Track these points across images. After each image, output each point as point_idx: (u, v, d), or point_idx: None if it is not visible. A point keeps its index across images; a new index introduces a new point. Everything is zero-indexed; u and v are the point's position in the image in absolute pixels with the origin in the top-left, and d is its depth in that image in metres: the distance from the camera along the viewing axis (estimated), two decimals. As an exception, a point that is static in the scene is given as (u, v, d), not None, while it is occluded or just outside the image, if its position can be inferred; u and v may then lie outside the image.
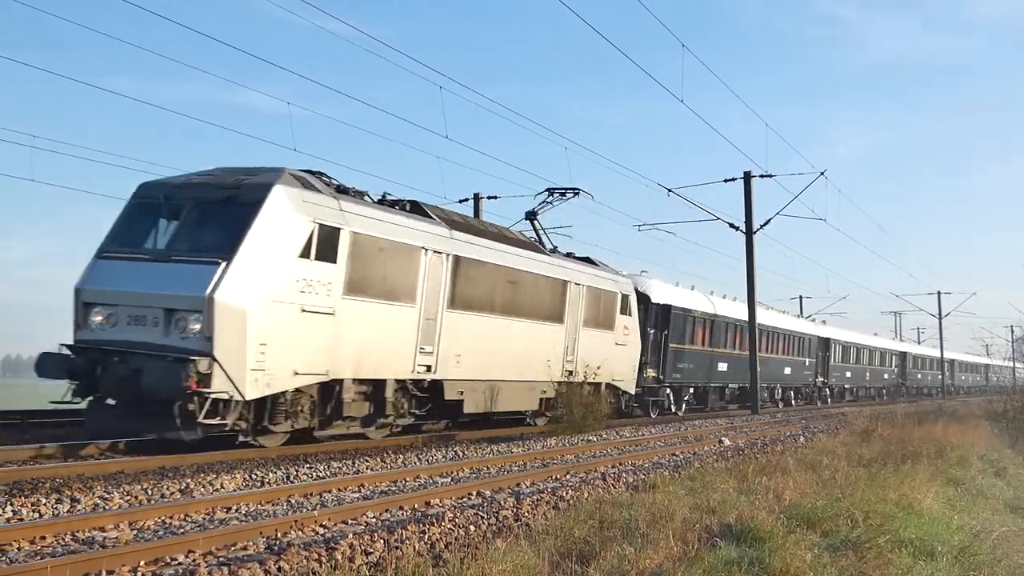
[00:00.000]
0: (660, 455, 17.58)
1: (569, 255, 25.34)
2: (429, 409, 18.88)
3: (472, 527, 9.28)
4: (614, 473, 14.36)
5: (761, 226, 36.43)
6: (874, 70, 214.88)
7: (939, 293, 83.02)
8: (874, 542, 8.15)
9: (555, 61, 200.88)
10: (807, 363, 47.53)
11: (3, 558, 7.55)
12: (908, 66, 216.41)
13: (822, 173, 35.02)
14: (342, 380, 15.97)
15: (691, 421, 29.51)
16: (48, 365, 14.05)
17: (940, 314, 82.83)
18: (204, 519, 9.51)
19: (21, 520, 9.08)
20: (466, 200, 35.89)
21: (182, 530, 8.92)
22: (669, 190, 34.53)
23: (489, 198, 35.87)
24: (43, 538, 8.21)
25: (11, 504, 9.67)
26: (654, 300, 30.15)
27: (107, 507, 9.90)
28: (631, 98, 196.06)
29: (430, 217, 18.87)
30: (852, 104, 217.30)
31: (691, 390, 33.75)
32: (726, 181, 36.46)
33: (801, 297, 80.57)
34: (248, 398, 13.97)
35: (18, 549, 7.85)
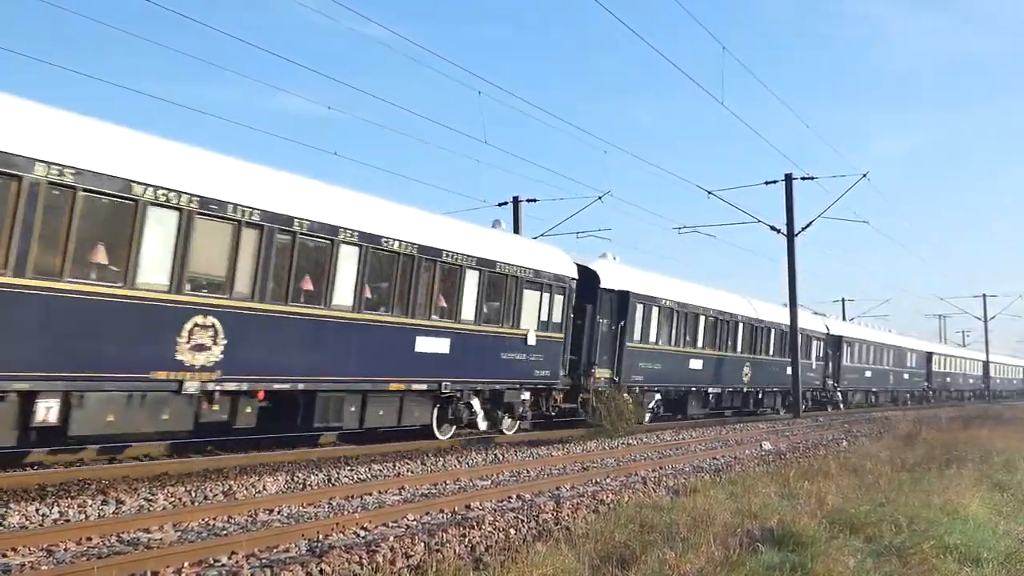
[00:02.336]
0: (700, 458, 17.49)
1: None
2: None
3: (512, 530, 9.29)
4: (654, 477, 14.29)
5: (802, 228, 36.12)
6: (913, 69, 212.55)
7: (984, 296, 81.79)
8: (918, 548, 8.05)
9: (594, 64, 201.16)
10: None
11: (51, 559, 7.68)
12: (948, 65, 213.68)
13: (864, 175, 34.59)
14: None
15: (732, 424, 29.31)
16: None
17: (985, 317, 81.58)
18: (247, 521, 9.60)
19: (68, 521, 9.22)
20: (505, 203, 35.91)
21: (225, 532, 9.02)
22: (709, 192, 34.24)
23: (528, 201, 35.85)
24: (89, 539, 8.34)
25: (58, 505, 9.83)
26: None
27: (152, 508, 10.04)
28: (671, 100, 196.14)
29: None
30: (892, 104, 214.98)
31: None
32: (767, 183, 36.13)
33: (844, 300, 79.83)
34: None
35: (65, 550, 7.98)
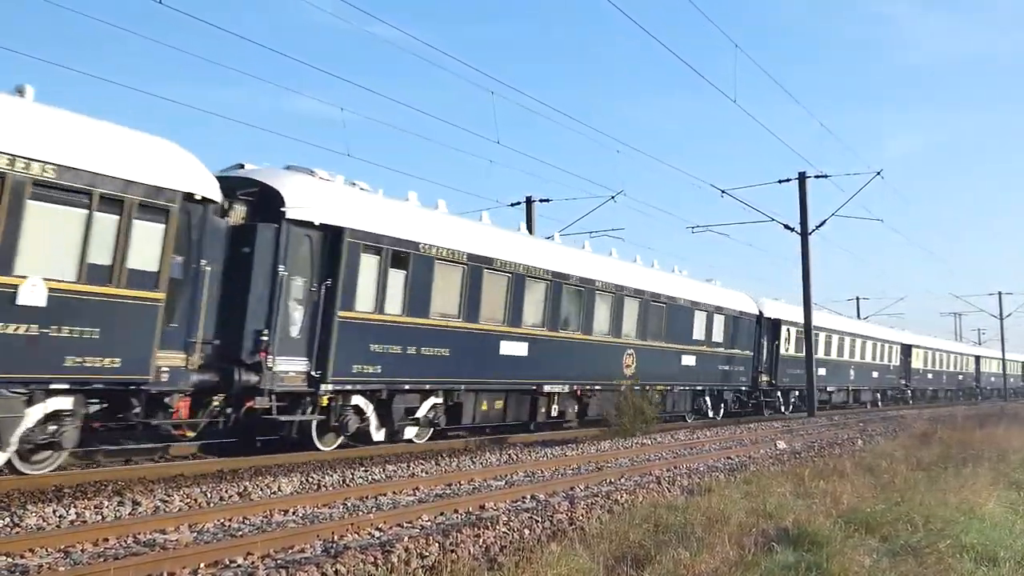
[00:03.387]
0: (715, 458, 17.45)
1: None
2: None
3: (526, 531, 9.29)
4: (668, 476, 14.27)
5: (817, 227, 35.97)
6: (926, 68, 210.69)
7: (1000, 293, 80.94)
8: (934, 547, 8.03)
9: (606, 63, 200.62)
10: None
11: (68, 560, 7.72)
12: (960, 64, 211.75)
13: (878, 173, 34.42)
14: None
15: (746, 424, 29.29)
16: None
17: (1001, 314, 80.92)
18: (262, 521, 9.63)
19: (84, 522, 9.27)
20: (518, 203, 35.89)
21: (240, 532, 9.05)
22: (723, 191, 34.15)
23: (541, 201, 35.81)
24: (106, 540, 8.38)
25: (75, 507, 9.88)
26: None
27: (168, 509, 10.08)
28: (683, 98, 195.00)
29: None
30: (904, 103, 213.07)
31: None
32: (780, 182, 35.98)
33: (858, 298, 79.32)
34: None
35: (82, 551, 8.02)
